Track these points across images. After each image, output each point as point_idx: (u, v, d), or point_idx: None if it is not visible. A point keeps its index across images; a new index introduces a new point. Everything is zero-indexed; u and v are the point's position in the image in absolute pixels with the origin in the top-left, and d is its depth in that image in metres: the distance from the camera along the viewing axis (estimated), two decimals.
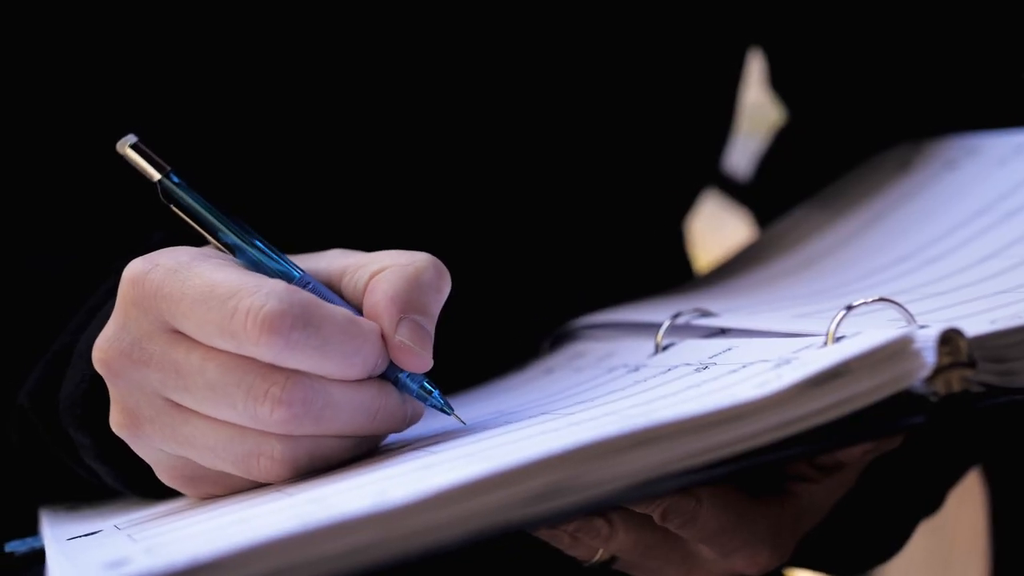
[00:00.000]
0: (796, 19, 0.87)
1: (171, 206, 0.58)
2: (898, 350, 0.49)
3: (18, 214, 0.73)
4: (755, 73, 0.90)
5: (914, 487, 0.68)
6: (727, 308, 0.67)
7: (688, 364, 0.59)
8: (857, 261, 0.73)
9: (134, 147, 0.58)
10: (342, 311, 0.54)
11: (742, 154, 0.96)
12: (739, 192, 0.96)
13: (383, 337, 0.55)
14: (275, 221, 0.64)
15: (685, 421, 0.47)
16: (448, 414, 0.57)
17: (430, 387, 0.56)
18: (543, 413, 0.58)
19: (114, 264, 0.64)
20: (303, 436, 0.55)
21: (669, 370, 0.59)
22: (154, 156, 0.58)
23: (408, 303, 0.55)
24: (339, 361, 0.54)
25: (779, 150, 0.92)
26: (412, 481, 0.47)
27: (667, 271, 0.88)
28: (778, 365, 0.52)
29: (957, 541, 1.19)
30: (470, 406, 0.66)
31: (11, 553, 0.62)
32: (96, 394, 0.59)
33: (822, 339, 0.53)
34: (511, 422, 0.58)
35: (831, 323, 0.53)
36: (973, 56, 0.84)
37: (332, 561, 0.44)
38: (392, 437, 0.59)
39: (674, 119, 0.82)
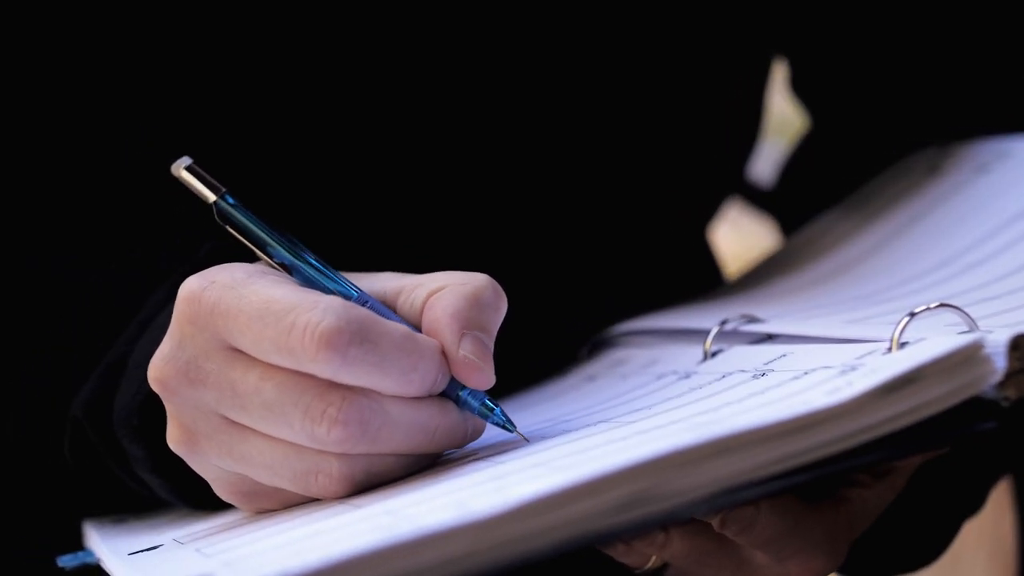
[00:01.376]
0: (818, 22, 0.87)
1: (226, 227, 0.58)
2: (969, 355, 0.49)
3: (50, 226, 0.73)
4: (777, 79, 0.90)
5: (961, 488, 0.69)
6: (768, 314, 0.67)
7: (743, 371, 0.59)
8: (894, 266, 0.73)
9: (189, 169, 0.58)
10: (400, 327, 0.54)
11: (764, 160, 0.96)
12: (761, 199, 0.96)
13: (444, 354, 0.55)
14: (304, 234, 0.64)
15: (765, 428, 0.47)
16: (510, 431, 0.57)
17: (492, 404, 0.56)
18: (600, 421, 0.58)
19: (159, 274, 0.64)
20: (361, 454, 0.55)
21: (723, 377, 0.59)
22: (208, 177, 0.58)
23: (469, 320, 0.55)
24: (397, 377, 0.54)
25: (802, 156, 0.92)
26: (489, 492, 0.47)
27: (695, 277, 0.88)
28: (844, 372, 0.52)
29: (965, 539, 1.19)
30: (515, 414, 0.65)
31: (62, 568, 0.61)
32: (151, 405, 0.59)
33: (885, 345, 0.54)
34: (568, 431, 0.58)
35: (895, 329, 0.53)
36: (996, 58, 0.84)
37: (420, 574, 0.44)
38: None
39: (700, 126, 0.83)
